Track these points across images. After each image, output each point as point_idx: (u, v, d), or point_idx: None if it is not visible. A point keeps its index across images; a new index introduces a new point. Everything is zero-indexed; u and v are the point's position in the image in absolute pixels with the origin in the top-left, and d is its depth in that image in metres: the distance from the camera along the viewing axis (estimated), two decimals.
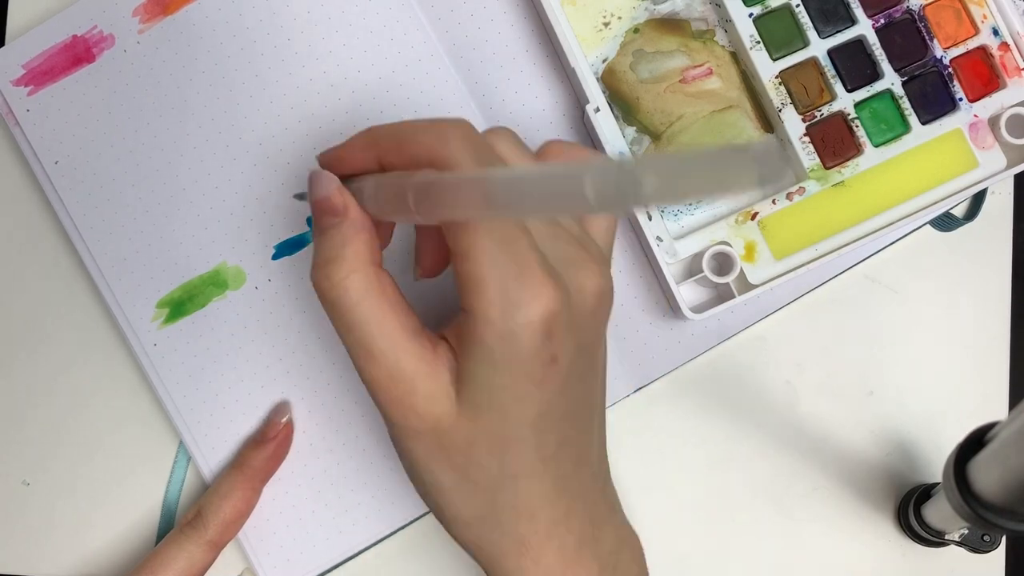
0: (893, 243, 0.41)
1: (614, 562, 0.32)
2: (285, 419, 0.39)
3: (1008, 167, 0.39)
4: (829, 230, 0.39)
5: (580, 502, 0.31)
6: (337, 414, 0.40)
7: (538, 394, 0.29)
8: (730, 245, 0.39)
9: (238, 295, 0.41)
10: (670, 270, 0.39)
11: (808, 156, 0.39)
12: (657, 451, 0.41)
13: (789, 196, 0.39)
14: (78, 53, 0.41)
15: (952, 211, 0.42)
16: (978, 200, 0.42)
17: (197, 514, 0.38)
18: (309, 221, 0.41)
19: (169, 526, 0.41)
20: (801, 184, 0.39)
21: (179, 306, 0.41)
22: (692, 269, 0.39)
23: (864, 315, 0.42)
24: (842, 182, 0.39)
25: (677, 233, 0.40)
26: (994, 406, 0.41)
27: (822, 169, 0.39)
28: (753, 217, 0.39)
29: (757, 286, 0.38)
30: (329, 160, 0.32)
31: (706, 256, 0.38)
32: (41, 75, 0.41)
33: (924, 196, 0.39)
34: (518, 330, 0.28)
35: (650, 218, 0.39)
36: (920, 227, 0.41)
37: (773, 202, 0.39)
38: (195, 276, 0.41)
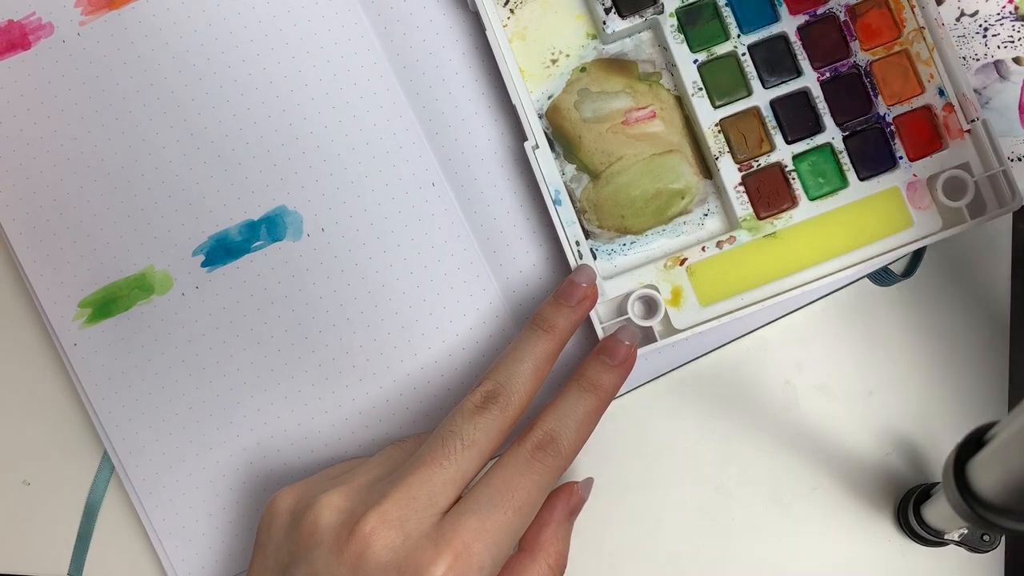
0: (826, 296, 0.41)
1: None
2: (629, 343, 0.37)
3: (943, 229, 0.39)
4: (756, 280, 0.39)
5: None
6: (260, 425, 0.40)
7: None
8: (657, 289, 0.39)
9: (164, 300, 0.40)
10: (597, 311, 0.39)
11: (741, 205, 0.39)
12: (657, 451, 0.41)
13: (719, 244, 0.39)
14: (12, 39, 0.40)
15: (891, 267, 0.42)
16: (917, 257, 0.42)
17: (551, 439, 0.35)
18: (246, 225, 0.40)
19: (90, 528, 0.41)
20: (732, 233, 0.39)
21: (103, 307, 0.40)
22: (622, 309, 0.39)
23: (864, 315, 0.41)
24: (774, 233, 0.39)
25: (609, 272, 0.40)
26: (994, 406, 0.41)
27: (755, 219, 0.39)
28: (682, 263, 0.39)
29: (681, 331, 0.38)
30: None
31: (631, 298, 0.39)
32: None
33: (855, 252, 0.39)
34: None
35: (595, 256, 0.39)
36: (855, 282, 0.41)
37: (703, 249, 0.39)
38: (120, 278, 0.40)
